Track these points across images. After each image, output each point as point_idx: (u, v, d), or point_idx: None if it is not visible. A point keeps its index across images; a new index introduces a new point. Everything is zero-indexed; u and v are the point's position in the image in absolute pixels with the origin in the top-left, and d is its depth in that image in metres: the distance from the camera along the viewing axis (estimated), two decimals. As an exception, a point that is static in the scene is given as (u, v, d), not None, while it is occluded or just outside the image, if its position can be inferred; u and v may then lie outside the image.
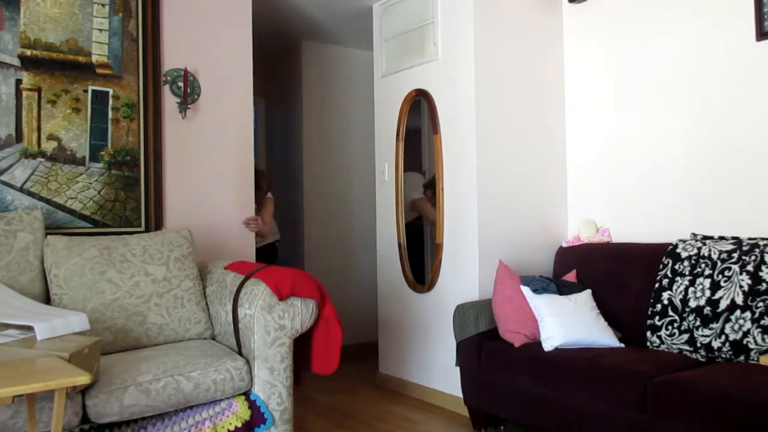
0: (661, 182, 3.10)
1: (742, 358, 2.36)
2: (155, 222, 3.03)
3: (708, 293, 2.52)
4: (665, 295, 2.67)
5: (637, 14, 3.21)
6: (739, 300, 2.41)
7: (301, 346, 2.53)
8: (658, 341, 2.64)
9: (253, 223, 3.39)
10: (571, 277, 3.11)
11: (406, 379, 3.64)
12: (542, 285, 2.85)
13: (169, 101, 3.13)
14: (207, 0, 3.27)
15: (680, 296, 2.61)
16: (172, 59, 3.14)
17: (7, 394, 1.44)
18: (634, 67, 3.23)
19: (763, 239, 2.53)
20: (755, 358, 2.31)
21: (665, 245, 2.85)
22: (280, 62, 4.95)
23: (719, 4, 2.86)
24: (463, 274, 3.25)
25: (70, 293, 2.34)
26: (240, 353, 2.36)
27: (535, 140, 3.44)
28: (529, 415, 2.63)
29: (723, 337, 2.41)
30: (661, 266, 2.76)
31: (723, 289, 2.48)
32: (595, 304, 2.85)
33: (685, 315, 2.56)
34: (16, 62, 2.75)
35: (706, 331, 2.46)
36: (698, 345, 2.48)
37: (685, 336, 2.53)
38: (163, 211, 3.08)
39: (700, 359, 2.47)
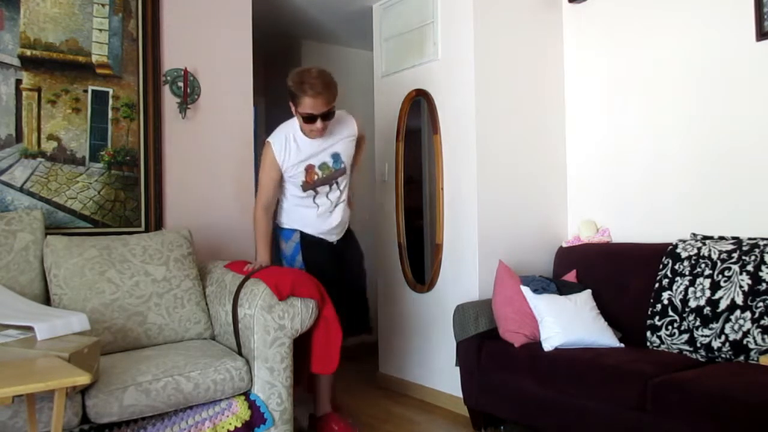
0: (661, 182, 3.10)
1: (742, 358, 2.35)
2: (155, 222, 3.03)
3: (708, 293, 2.52)
4: (665, 295, 2.67)
5: (637, 14, 3.20)
6: (739, 300, 2.41)
7: (301, 350, 2.53)
8: (658, 341, 2.64)
9: None
10: (571, 277, 3.11)
11: (406, 379, 3.64)
12: (542, 285, 2.85)
13: (169, 101, 3.13)
14: (207, 0, 3.27)
15: (680, 296, 2.61)
16: (172, 59, 3.14)
17: (7, 394, 1.44)
18: (634, 67, 3.22)
19: (763, 239, 2.53)
20: (755, 358, 2.31)
21: (665, 245, 2.85)
22: (280, 62, 4.95)
23: (719, 4, 2.86)
24: (463, 274, 3.25)
25: (69, 293, 2.34)
26: (240, 353, 2.36)
27: (535, 140, 3.44)
28: (529, 416, 2.63)
29: (723, 337, 2.41)
30: (661, 266, 2.76)
31: (723, 289, 2.48)
32: (594, 304, 2.84)
33: (685, 315, 2.56)
34: (16, 62, 2.74)
35: (706, 331, 2.46)
36: (698, 345, 2.48)
37: (685, 336, 2.53)
38: (163, 211, 3.08)
39: (700, 359, 2.47)
